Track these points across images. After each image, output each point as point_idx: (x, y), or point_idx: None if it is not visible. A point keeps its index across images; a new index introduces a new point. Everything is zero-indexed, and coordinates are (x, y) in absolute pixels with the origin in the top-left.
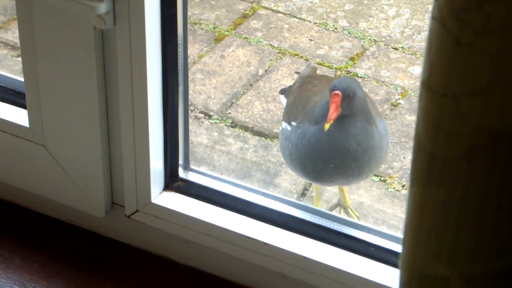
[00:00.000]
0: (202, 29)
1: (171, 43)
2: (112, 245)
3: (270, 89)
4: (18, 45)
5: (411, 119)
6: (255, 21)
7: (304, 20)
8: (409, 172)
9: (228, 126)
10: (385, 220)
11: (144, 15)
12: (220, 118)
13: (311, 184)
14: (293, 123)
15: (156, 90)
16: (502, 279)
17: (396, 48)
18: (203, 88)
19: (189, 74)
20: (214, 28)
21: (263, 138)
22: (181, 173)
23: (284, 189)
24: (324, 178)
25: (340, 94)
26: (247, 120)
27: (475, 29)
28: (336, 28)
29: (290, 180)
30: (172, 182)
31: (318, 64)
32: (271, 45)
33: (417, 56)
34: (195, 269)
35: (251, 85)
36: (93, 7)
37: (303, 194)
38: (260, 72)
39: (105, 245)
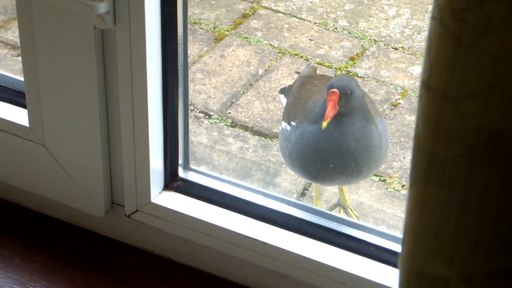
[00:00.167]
0: (202, 28)
1: (171, 43)
2: (111, 244)
3: (270, 89)
4: (18, 44)
5: (411, 119)
6: (255, 21)
7: (304, 20)
8: (408, 172)
9: (228, 125)
10: (384, 220)
11: (144, 14)
12: (220, 118)
13: (311, 184)
14: (293, 123)
15: (156, 89)
16: (502, 279)
17: (396, 48)
18: (203, 87)
19: (189, 74)
20: (214, 27)
21: (263, 138)
22: (181, 172)
23: (284, 189)
24: (324, 178)
25: (338, 92)
26: (247, 120)
27: (475, 29)
28: (336, 28)
29: (290, 180)
30: (172, 181)
31: (318, 64)
32: (271, 45)
33: (417, 56)
34: (195, 268)
35: (251, 85)
36: (93, 6)
37: (302, 194)
38: (260, 72)
39: (104, 245)
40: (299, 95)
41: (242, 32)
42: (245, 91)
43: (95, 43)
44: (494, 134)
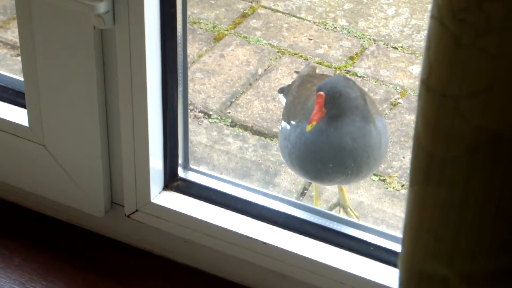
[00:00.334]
0: (202, 28)
1: (170, 42)
2: (111, 244)
3: (269, 88)
4: (18, 44)
5: (411, 118)
6: (254, 21)
7: (303, 19)
8: (408, 171)
9: (228, 125)
10: (384, 219)
11: (143, 14)
12: (219, 118)
13: (311, 183)
14: (293, 122)
15: (156, 89)
16: (502, 279)
17: (395, 48)
18: (203, 87)
19: (189, 74)
20: (214, 27)
21: (262, 138)
22: (181, 172)
23: (284, 188)
24: (324, 177)
25: (324, 95)
26: (246, 119)
27: (475, 29)
28: (335, 28)
29: (290, 179)
30: (172, 181)
31: (318, 63)
32: (270, 44)
33: (417, 55)
34: (195, 268)
35: (250, 84)
36: (93, 6)
37: (302, 194)
38: (260, 71)
39: (104, 245)
40: (298, 95)
41: (241, 32)
42: (244, 90)
43: (94, 43)
44: (493, 134)
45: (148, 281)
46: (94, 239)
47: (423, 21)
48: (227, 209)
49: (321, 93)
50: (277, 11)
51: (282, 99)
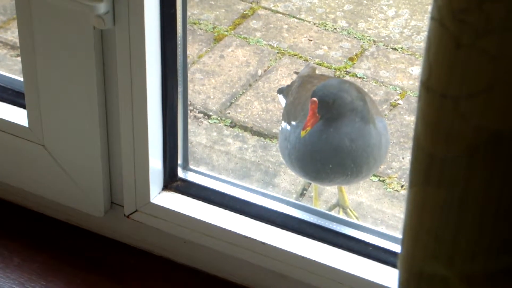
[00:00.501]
0: (202, 29)
1: (170, 43)
2: (111, 244)
3: (269, 89)
4: (18, 44)
5: (410, 119)
6: (254, 21)
7: (303, 20)
8: (408, 172)
9: (227, 126)
10: (384, 220)
11: (143, 15)
12: (219, 118)
13: (310, 184)
14: (293, 123)
15: (156, 90)
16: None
17: (395, 49)
18: (202, 88)
19: (189, 74)
20: (214, 28)
21: (262, 138)
22: (180, 173)
23: (283, 189)
24: (323, 178)
25: (316, 101)
26: (246, 120)
27: (475, 30)
28: (335, 29)
29: (289, 180)
30: (171, 182)
31: (317, 64)
32: (270, 45)
33: (416, 56)
34: (194, 268)
35: (250, 85)
36: (93, 7)
37: (302, 194)
38: (259, 72)
39: (104, 245)
40: (298, 95)
41: (241, 33)
42: (244, 91)
43: (94, 43)
44: (493, 135)
45: (147, 281)
46: (94, 239)
47: (423, 22)
48: (227, 209)
49: (314, 99)
50: (277, 12)
51: (281, 100)
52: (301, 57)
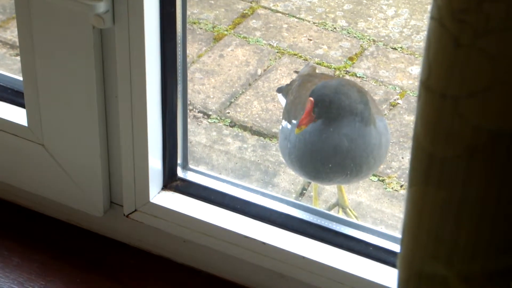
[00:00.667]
0: (201, 28)
1: (170, 43)
2: (110, 244)
3: (269, 88)
4: (17, 44)
5: (410, 119)
6: (254, 21)
7: (303, 19)
8: (407, 172)
9: (227, 125)
10: (383, 220)
11: (143, 14)
12: (218, 118)
13: (310, 183)
14: (293, 122)
15: (155, 89)
16: (500, 279)
17: (395, 48)
18: (202, 87)
19: (188, 74)
20: (213, 27)
21: (261, 138)
22: (180, 172)
23: (283, 188)
24: (323, 177)
25: (312, 101)
26: (245, 119)
27: (475, 30)
28: (335, 28)
29: (289, 179)
30: (171, 181)
31: (317, 64)
32: (270, 44)
33: (416, 56)
34: (194, 268)
35: (250, 84)
36: (92, 6)
37: (301, 194)
38: (259, 71)
39: (103, 245)
40: (299, 94)
41: (241, 32)
42: (244, 91)
43: (94, 42)
44: (492, 135)
45: (146, 280)
46: (93, 238)
47: (422, 22)
48: (226, 209)
49: (311, 98)
50: (277, 11)
51: (281, 99)
52: (300, 56)
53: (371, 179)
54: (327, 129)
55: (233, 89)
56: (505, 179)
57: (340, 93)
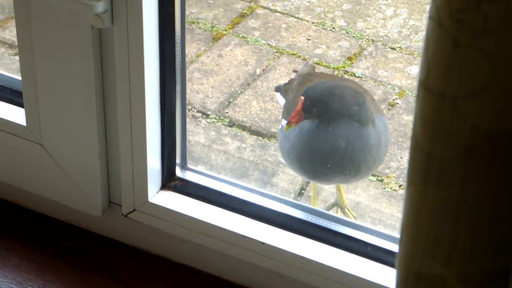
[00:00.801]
0: (200, 28)
1: (169, 42)
2: (109, 244)
3: (267, 88)
4: (16, 43)
5: (408, 119)
6: (253, 20)
7: (301, 19)
8: (406, 172)
9: (226, 125)
10: (382, 219)
11: (142, 14)
12: (217, 117)
13: (308, 183)
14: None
15: (154, 89)
16: (499, 279)
17: (393, 48)
18: (201, 87)
19: (187, 73)
20: (212, 27)
21: (260, 138)
22: (178, 172)
23: (281, 188)
24: (322, 177)
25: (303, 101)
26: (244, 119)
27: (473, 30)
28: (333, 28)
29: (287, 179)
30: (169, 181)
31: (316, 63)
32: (268, 44)
33: (415, 56)
34: (192, 268)
35: (248, 84)
36: (91, 6)
37: (300, 194)
38: (258, 71)
39: (102, 244)
40: (299, 93)
41: (239, 32)
42: (242, 90)
43: (92, 42)
44: (491, 135)
45: (145, 280)
46: (92, 238)
47: (421, 21)
48: (225, 208)
49: (302, 97)
50: (276, 11)
51: (279, 98)
52: (299, 56)
53: (369, 179)
54: (326, 129)
55: (232, 89)
56: (504, 179)
57: (332, 95)
